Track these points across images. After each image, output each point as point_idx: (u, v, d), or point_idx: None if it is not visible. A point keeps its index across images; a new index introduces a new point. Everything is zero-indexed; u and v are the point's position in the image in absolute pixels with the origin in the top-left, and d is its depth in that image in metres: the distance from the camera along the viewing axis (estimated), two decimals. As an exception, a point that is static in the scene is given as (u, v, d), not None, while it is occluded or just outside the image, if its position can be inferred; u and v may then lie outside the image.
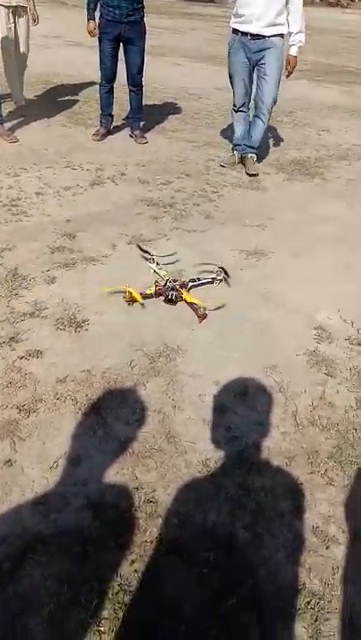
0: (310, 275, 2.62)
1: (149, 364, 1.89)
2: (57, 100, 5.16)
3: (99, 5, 3.73)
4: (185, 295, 2.25)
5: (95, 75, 4.30)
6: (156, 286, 2.28)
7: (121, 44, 3.83)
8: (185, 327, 2.13)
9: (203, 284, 2.41)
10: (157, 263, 2.48)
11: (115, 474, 1.46)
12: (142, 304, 2.20)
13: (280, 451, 1.61)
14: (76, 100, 5.16)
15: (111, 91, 4.08)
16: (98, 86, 4.13)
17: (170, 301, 2.23)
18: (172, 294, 2.22)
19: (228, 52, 3.61)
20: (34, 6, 4.18)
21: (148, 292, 2.24)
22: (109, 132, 4.32)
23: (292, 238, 2.97)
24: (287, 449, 1.63)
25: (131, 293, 2.19)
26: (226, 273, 2.46)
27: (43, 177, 3.40)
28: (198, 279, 2.41)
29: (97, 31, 3.79)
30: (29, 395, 1.69)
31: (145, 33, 3.84)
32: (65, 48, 8.00)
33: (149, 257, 2.52)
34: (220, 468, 1.52)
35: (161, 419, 1.67)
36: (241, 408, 1.76)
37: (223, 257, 2.66)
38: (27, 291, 2.24)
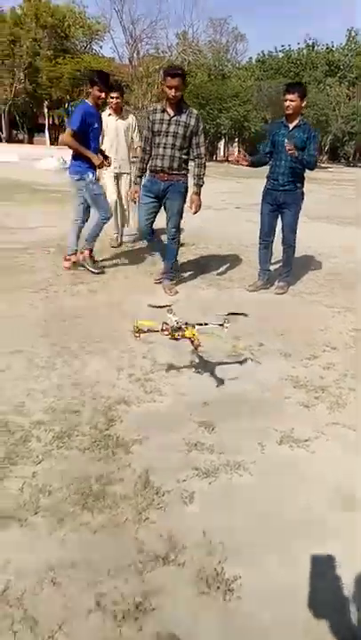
0: None
1: None
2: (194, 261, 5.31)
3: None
4: (187, 331, 2.55)
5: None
6: (163, 325, 2.57)
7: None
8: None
9: (210, 327, 2.74)
10: (174, 313, 2.72)
11: None
12: (145, 331, 2.63)
13: None
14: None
15: None
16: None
17: (174, 339, 2.58)
18: (177, 333, 2.55)
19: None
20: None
21: (155, 327, 2.60)
22: (264, 286, 4.47)
23: None
24: None
25: (137, 327, 2.63)
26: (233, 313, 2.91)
27: (176, 346, 3.16)
28: (206, 324, 2.75)
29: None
30: None
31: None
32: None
33: (167, 308, 2.81)
34: None
35: None
36: None
37: None
38: (159, 513, 1.74)
